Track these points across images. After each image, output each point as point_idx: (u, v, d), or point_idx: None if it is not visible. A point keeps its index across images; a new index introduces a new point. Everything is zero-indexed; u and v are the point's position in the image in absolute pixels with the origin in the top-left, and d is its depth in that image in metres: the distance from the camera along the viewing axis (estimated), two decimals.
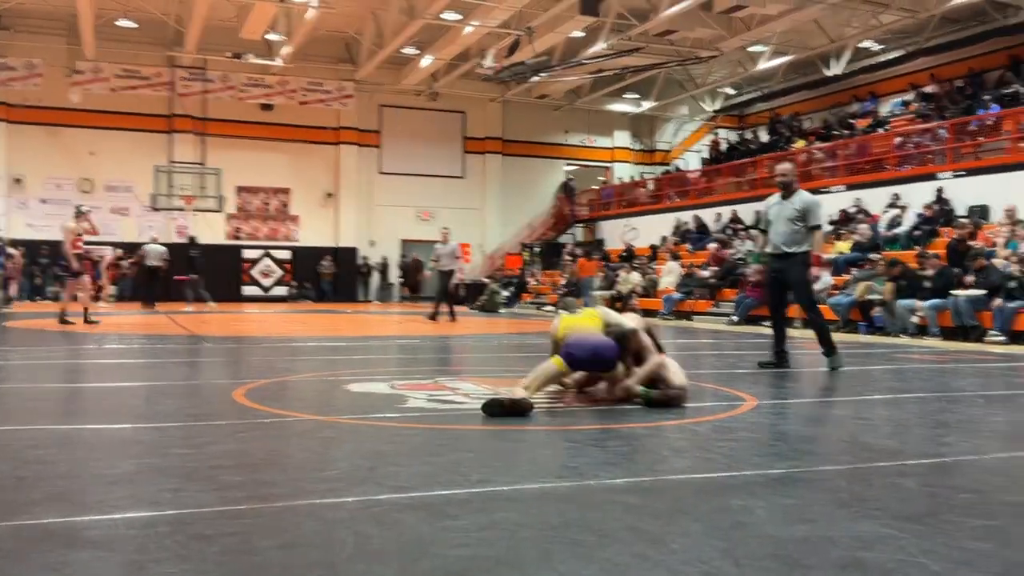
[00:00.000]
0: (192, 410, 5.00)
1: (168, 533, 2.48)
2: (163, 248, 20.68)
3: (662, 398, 5.13)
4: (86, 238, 13.61)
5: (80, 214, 13.64)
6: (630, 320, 5.55)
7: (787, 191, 7.67)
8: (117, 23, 23.68)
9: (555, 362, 5.13)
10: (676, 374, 5.38)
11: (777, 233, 7.64)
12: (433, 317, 15.66)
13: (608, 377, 5.40)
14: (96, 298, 21.64)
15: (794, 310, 8.32)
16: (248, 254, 27.32)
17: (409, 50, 24.80)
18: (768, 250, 7.85)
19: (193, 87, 25.50)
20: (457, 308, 17.87)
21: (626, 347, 5.33)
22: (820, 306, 8.34)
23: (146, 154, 25.12)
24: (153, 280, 20.41)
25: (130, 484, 3.10)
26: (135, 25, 23.98)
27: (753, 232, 18.55)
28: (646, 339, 5.42)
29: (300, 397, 5.90)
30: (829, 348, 7.59)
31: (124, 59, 25.12)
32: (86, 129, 25.43)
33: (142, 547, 2.36)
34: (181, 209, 24.26)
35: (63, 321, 12.99)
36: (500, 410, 4.67)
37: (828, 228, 19.06)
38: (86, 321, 13.17)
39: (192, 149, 25.62)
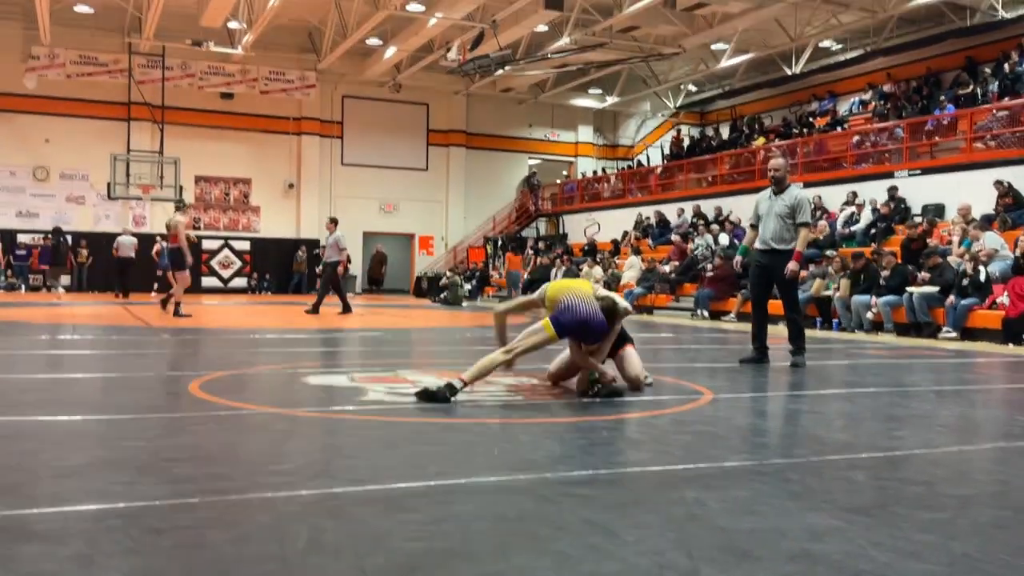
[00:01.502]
0: (146, 402, 4.93)
1: (119, 526, 2.44)
2: (135, 239, 21.42)
3: (606, 387, 5.23)
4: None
5: (186, 206, 13.97)
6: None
7: (779, 186, 7.59)
8: (74, 8, 23.22)
9: (545, 327, 5.09)
10: (633, 365, 5.51)
11: (767, 228, 7.57)
12: (315, 310, 14.79)
13: (589, 350, 5.35)
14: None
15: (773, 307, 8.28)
16: (207, 245, 26.98)
17: (373, 41, 24.64)
18: (756, 245, 7.76)
19: (152, 75, 25.07)
20: (419, 301, 17.73)
21: (613, 323, 5.31)
22: (773, 302, 8.39)
23: (103, 142, 24.67)
24: (126, 271, 21.01)
25: (81, 477, 3.06)
26: (92, 11, 23.53)
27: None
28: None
29: (257, 390, 5.84)
30: (799, 348, 7.58)
31: (81, 45, 24.64)
32: (41, 116, 24.90)
33: (92, 540, 2.32)
34: (139, 198, 23.89)
35: (178, 314, 12.93)
36: (428, 398, 4.84)
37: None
38: (176, 314, 13.00)
39: (150, 138, 25.20)
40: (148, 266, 22.06)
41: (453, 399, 4.85)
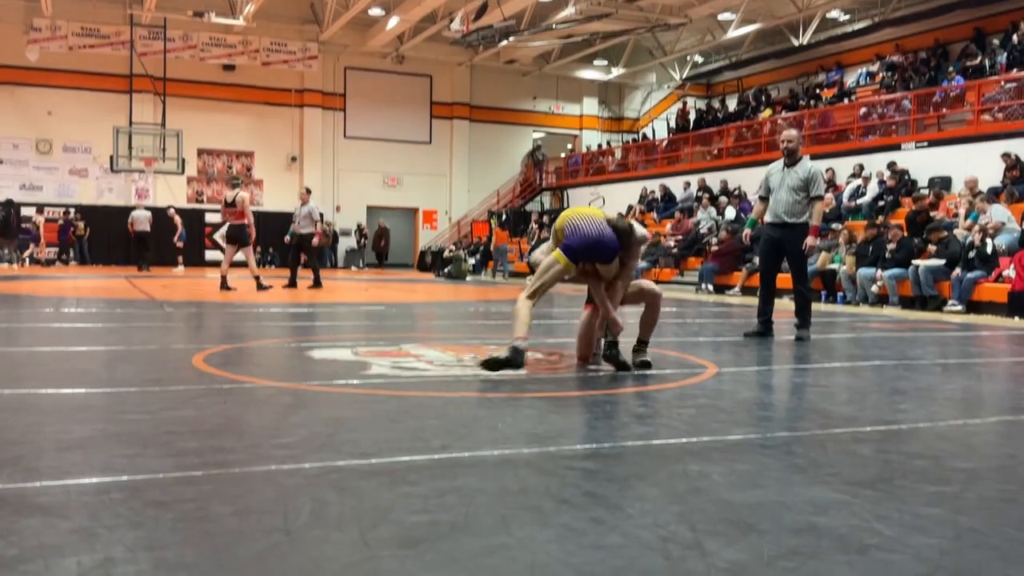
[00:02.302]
0: (149, 375, 4.93)
1: (122, 500, 2.44)
2: (149, 213, 21.71)
3: (617, 359, 5.18)
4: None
5: (242, 182, 13.94)
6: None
7: (791, 158, 7.49)
8: None
9: (557, 257, 4.97)
10: (646, 282, 5.53)
11: (778, 201, 7.46)
12: (292, 283, 14.61)
13: (604, 271, 5.15)
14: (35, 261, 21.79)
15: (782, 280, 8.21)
16: (210, 218, 26.93)
17: (375, 11, 24.45)
18: (767, 218, 7.65)
19: (153, 46, 24.94)
20: (423, 275, 17.61)
21: (627, 245, 5.10)
22: (782, 275, 8.36)
23: (105, 115, 24.60)
24: (143, 244, 21.50)
25: (83, 450, 3.05)
26: None
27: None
28: (635, 262, 5.37)
29: (261, 363, 5.84)
30: (805, 321, 7.54)
31: (83, 17, 24.50)
32: (43, 88, 24.84)
33: (95, 514, 2.32)
34: (141, 171, 23.88)
35: (260, 287, 13.33)
36: (496, 366, 4.80)
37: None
38: (259, 288, 13.33)
39: (152, 110, 25.10)
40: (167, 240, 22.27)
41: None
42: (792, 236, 7.43)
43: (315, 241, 15.22)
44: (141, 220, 21.46)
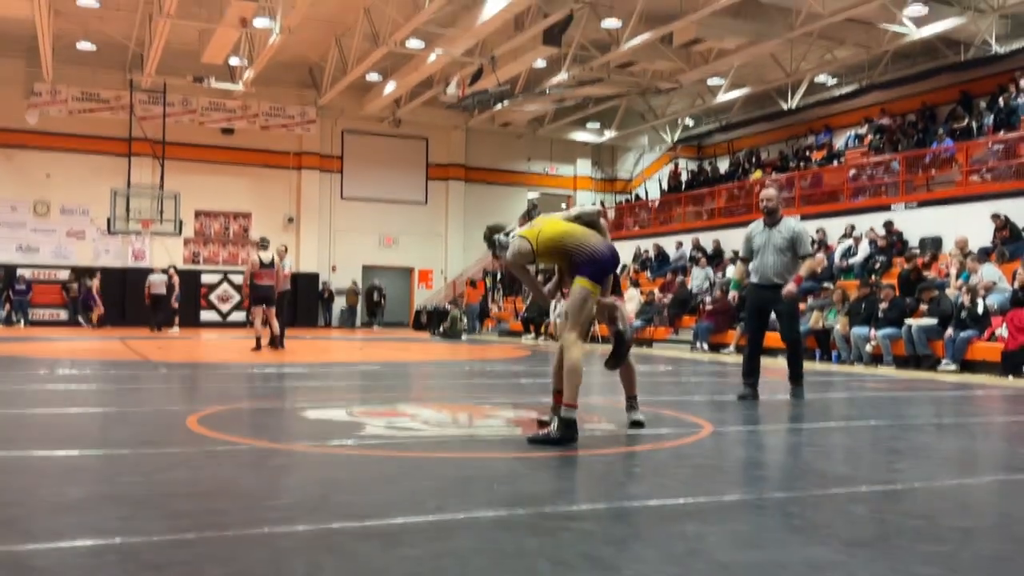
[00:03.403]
0: (144, 437, 4.91)
1: (116, 562, 2.43)
2: (165, 277, 22.45)
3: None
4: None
5: (268, 243, 14.42)
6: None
7: (772, 218, 7.33)
8: (77, 45, 23.44)
9: (585, 286, 4.67)
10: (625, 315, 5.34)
11: (765, 264, 7.29)
12: (278, 343, 14.22)
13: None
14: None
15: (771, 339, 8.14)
16: (206, 279, 27.00)
17: (373, 76, 24.85)
18: (754, 280, 7.46)
19: (153, 111, 25.27)
20: (419, 334, 17.43)
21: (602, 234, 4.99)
22: (771, 334, 8.39)
23: (103, 177, 24.80)
24: (158, 306, 22.16)
25: (78, 512, 3.04)
26: (94, 47, 23.75)
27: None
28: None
29: (255, 424, 5.82)
30: (798, 379, 7.48)
31: (83, 82, 24.84)
32: (42, 151, 25.05)
33: None
34: (138, 233, 24.01)
35: (277, 344, 14.03)
36: (547, 443, 4.55)
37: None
38: (276, 345, 14.02)
39: (151, 172, 25.33)
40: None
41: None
42: (782, 297, 7.22)
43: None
44: (157, 284, 22.16)
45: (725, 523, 3.04)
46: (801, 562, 2.56)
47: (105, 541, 2.65)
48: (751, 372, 7.47)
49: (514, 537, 2.81)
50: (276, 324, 13.99)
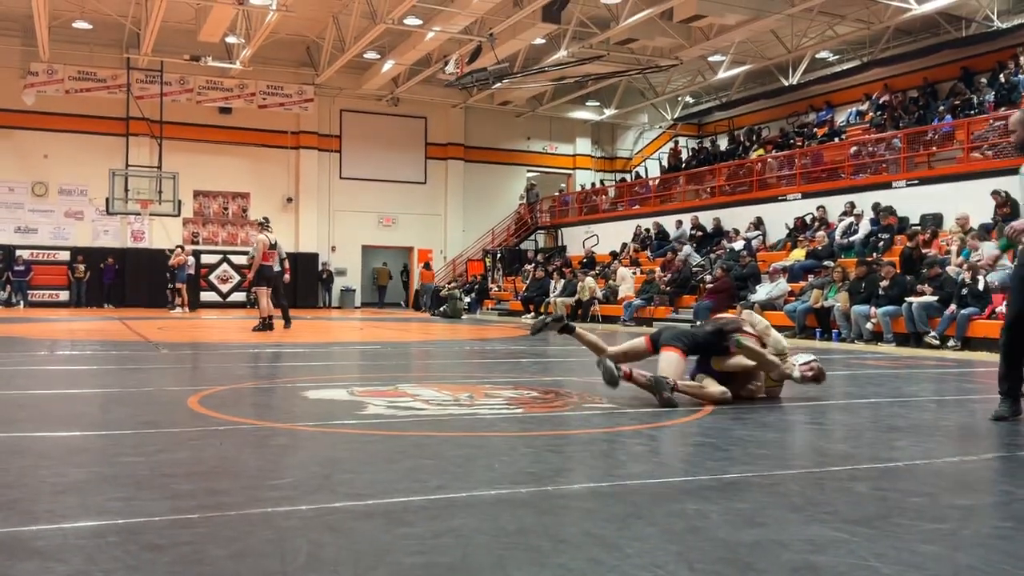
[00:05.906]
0: (144, 417, 4.91)
1: (118, 543, 2.43)
2: (192, 260, 23.35)
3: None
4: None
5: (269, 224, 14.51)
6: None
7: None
8: (73, 24, 23.30)
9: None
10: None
11: None
12: (287, 324, 14.38)
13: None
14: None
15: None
16: (206, 259, 26.98)
17: (371, 55, 24.71)
18: None
19: (150, 90, 25.16)
20: (418, 314, 17.47)
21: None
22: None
23: (101, 157, 24.73)
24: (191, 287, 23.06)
25: (79, 493, 3.04)
26: (91, 27, 23.61)
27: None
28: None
29: (256, 404, 5.83)
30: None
31: (79, 61, 24.71)
32: (40, 132, 24.96)
33: (91, 557, 2.31)
34: (137, 214, 23.95)
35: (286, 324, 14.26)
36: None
37: (783, 235, 19.39)
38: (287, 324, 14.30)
39: (149, 152, 25.25)
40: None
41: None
42: None
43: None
44: (191, 265, 23.04)
45: (726, 501, 3.04)
46: (802, 540, 2.56)
47: (107, 522, 2.65)
48: (1007, 376, 5.21)
49: (515, 515, 2.81)
50: (268, 304, 13.98)
